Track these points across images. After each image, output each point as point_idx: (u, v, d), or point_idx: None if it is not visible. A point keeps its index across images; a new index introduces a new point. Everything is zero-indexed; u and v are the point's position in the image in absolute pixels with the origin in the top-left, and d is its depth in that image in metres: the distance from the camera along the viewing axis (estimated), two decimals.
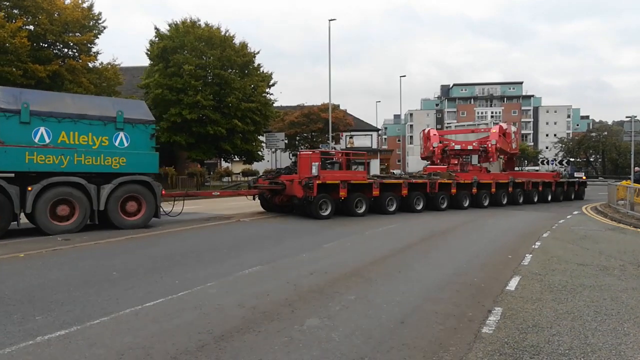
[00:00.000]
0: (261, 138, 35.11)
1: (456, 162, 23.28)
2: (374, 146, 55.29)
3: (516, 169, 72.75)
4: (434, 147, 23.42)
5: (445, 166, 22.93)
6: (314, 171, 15.32)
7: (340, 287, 6.56)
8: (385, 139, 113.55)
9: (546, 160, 75.26)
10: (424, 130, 27.17)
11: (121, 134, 12.18)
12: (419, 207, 18.03)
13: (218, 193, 17.25)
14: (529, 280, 7.16)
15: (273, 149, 40.20)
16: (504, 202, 21.50)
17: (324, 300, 5.88)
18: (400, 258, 8.87)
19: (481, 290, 6.57)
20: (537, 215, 17.93)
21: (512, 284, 6.88)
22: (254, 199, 17.08)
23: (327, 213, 15.25)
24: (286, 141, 43.33)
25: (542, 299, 6.11)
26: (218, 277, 7.01)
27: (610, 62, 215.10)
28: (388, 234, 12.16)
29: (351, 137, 52.88)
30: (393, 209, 17.12)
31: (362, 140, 53.85)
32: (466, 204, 19.89)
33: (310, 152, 16.72)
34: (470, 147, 23.30)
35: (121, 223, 12.12)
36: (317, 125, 44.38)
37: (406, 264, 8.30)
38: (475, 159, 23.70)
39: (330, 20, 35.15)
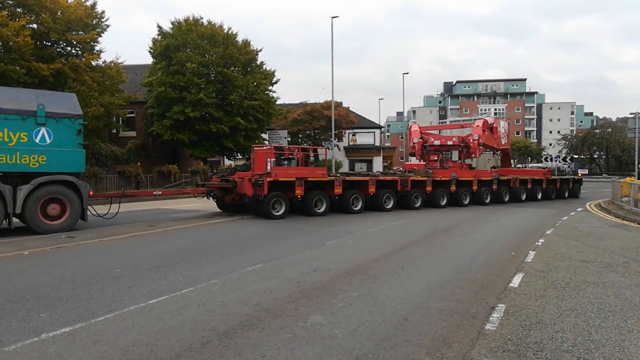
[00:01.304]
0: (264, 136, 35.12)
1: (435, 158, 22.19)
2: (377, 143, 55.20)
3: (519, 166, 72.56)
4: (414, 143, 22.49)
5: (424, 163, 22.19)
6: (269, 168, 14.65)
7: (343, 284, 6.57)
8: (388, 136, 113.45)
9: (550, 157, 75.17)
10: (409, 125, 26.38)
11: (42, 130, 11.08)
12: (389, 206, 17.09)
13: (160, 192, 16.05)
14: (533, 277, 7.16)
15: None
16: (487, 200, 20.41)
17: (327, 297, 5.89)
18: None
19: (484, 287, 6.57)
20: (540, 212, 17.87)
21: (516, 281, 6.87)
22: (208, 197, 15.86)
23: (280, 212, 14.36)
24: (289, 139, 43.30)
25: (545, 296, 6.10)
26: (221, 275, 7.03)
27: (613, 59, 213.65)
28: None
29: (354, 134, 52.82)
30: (358, 207, 16.20)
31: (364, 138, 53.78)
32: (443, 202, 18.88)
33: (265, 148, 15.88)
34: (450, 143, 22.23)
35: (41, 228, 11.04)
36: (320, 122, 44.35)
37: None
38: (455, 155, 22.37)
39: (332, 18, 35.09)
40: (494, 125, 23.36)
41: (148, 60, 30.86)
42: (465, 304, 5.71)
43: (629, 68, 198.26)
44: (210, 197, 15.80)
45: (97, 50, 25.03)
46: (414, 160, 30.76)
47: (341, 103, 51.49)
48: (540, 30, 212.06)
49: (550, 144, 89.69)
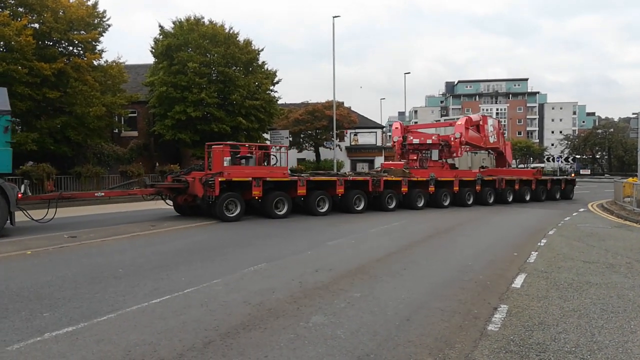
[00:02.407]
0: (265, 136, 35.11)
1: (415, 157, 21.20)
2: (379, 143, 55.15)
3: (521, 166, 72.34)
4: (394, 142, 21.73)
5: (402, 162, 21.31)
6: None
7: (345, 284, 6.56)
8: (389, 136, 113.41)
9: (552, 158, 75.05)
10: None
11: None
12: (359, 208, 16.28)
13: (102, 194, 15.04)
14: (535, 277, 7.15)
15: (277, 147, 40.17)
16: (469, 202, 19.62)
17: (329, 297, 5.89)
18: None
19: (487, 287, 6.56)
20: (543, 212, 17.84)
21: (518, 282, 6.86)
22: (164, 199, 14.96)
23: (234, 214, 13.61)
24: (290, 139, 43.28)
25: (548, 297, 6.10)
26: (224, 274, 7.04)
27: (616, 59, 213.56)
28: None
29: (356, 134, 52.80)
30: (325, 209, 15.49)
31: (366, 138, 53.75)
32: (420, 203, 18.09)
33: (222, 146, 15.03)
34: (429, 141, 21.11)
35: None
36: (322, 122, 44.32)
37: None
38: (435, 154, 21.26)
39: (334, 17, 35.08)
40: (480, 123, 22.41)
41: (150, 59, 30.86)
42: (468, 305, 5.70)
43: (632, 68, 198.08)
44: (164, 199, 14.97)
45: (98, 50, 25.05)
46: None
47: (343, 103, 51.44)
48: (543, 29, 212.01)
49: (552, 144, 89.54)
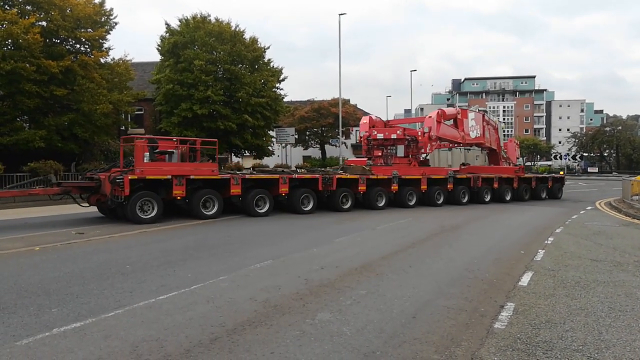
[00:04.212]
0: (271, 133, 35.13)
1: (380, 153, 19.57)
2: None
3: (528, 164, 71.78)
4: (361, 137, 20.06)
5: (365, 159, 20.03)
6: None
7: (351, 281, 6.56)
8: None
9: (559, 155, 74.56)
10: None
11: None
12: (307, 208, 15.17)
13: None
14: (542, 275, 7.11)
15: (283, 144, 40.24)
16: (439, 201, 18.56)
17: (335, 295, 5.90)
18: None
19: (493, 285, 6.54)
20: (550, 210, 17.74)
21: (525, 280, 6.83)
22: (74, 199, 13.41)
23: (150, 215, 12.35)
24: (296, 136, 43.32)
25: (555, 295, 6.06)
26: (230, 271, 7.06)
27: (624, 56, 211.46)
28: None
29: None
30: (264, 210, 14.39)
31: None
32: (381, 203, 17.05)
33: (144, 140, 13.91)
34: (393, 136, 19.36)
35: None
36: (327, 120, 44.30)
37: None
38: (401, 149, 19.59)
39: (340, 15, 34.99)
40: (459, 116, 20.76)
41: (156, 57, 30.98)
42: (474, 303, 5.68)
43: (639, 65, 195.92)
44: (75, 199, 13.44)
45: (105, 48, 25.20)
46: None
47: (349, 100, 51.40)
48: (550, 27, 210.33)
49: (560, 142, 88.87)
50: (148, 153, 13.08)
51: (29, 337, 4.38)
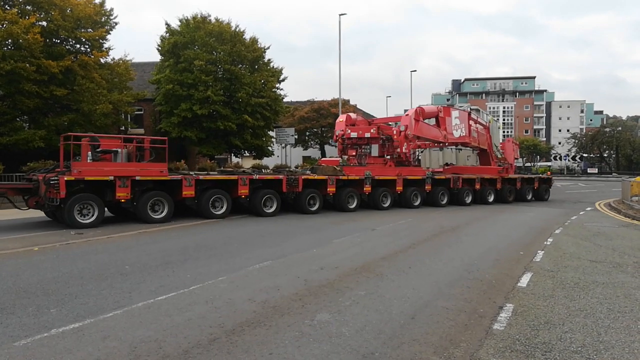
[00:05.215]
0: (271, 133, 35.13)
1: (354, 153, 19.01)
2: None
3: (527, 164, 71.73)
4: (336, 136, 19.43)
5: (338, 159, 19.52)
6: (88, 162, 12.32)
7: (350, 282, 6.56)
8: None
9: (559, 156, 74.56)
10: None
11: None
12: (270, 210, 14.61)
13: None
14: (541, 276, 7.11)
15: (283, 145, 40.20)
16: (416, 203, 17.97)
17: (334, 295, 5.89)
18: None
19: (492, 286, 6.53)
20: (549, 211, 17.74)
21: (524, 281, 6.83)
22: (12, 202, 12.40)
23: (89, 220, 11.56)
24: (296, 136, 43.27)
25: (554, 296, 6.06)
26: (229, 272, 7.05)
27: (624, 57, 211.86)
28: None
29: None
30: (221, 211, 13.80)
31: None
32: (352, 205, 16.37)
33: (87, 138, 13.22)
34: (367, 135, 18.59)
35: None
36: (327, 120, 44.30)
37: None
38: (375, 149, 18.82)
39: (340, 15, 34.98)
40: (440, 115, 20.08)
41: (156, 57, 30.98)
42: (473, 304, 5.68)
43: None
44: (12, 202, 12.43)
45: (105, 48, 25.19)
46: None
47: (349, 101, 51.37)
48: (550, 28, 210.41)
49: (560, 143, 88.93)
50: (90, 152, 12.46)
51: (27, 338, 4.37)
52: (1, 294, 5.81)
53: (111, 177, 11.98)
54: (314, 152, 49.42)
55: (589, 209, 18.82)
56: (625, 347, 4.41)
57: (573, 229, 12.74)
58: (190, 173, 13.85)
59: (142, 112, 32.30)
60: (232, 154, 35.28)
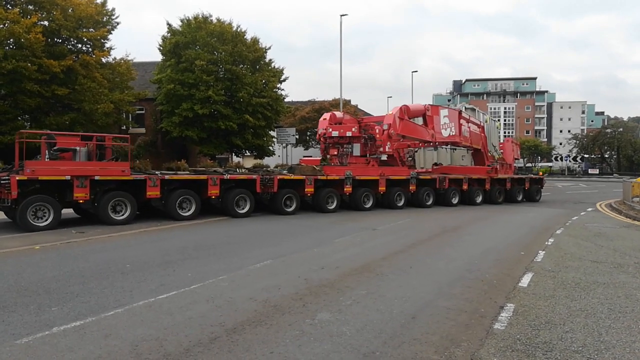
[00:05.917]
0: (272, 133, 35.14)
1: (336, 152, 18.40)
2: None
3: (529, 165, 71.64)
4: (319, 134, 18.95)
5: (319, 158, 19.18)
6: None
7: (351, 281, 6.56)
8: None
9: (560, 157, 74.49)
10: None
11: None
12: (243, 210, 14.19)
13: None
14: (542, 276, 7.10)
15: (284, 144, 40.20)
16: (400, 203, 17.59)
17: (335, 295, 5.89)
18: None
19: (493, 286, 6.53)
20: (550, 211, 17.73)
21: (525, 281, 6.82)
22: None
23: (44, 223, 10.95)
24: (297, 136, 43.28)
25: (555, 296, 6.06)
26: (230, 271, 7.06)
27: (624, 58, 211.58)
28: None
29: None
30: (189, 213, 13.28)
31: None
32: (332, 206, 15.92)
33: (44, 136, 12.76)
34: (349, 134, 18.01)
35: None
36: None
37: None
38: (357, 148, 18.31)
39: (341, 16, 34.99)
40: (428, 113, 19.50)
41: (157, 57, 30.98)
42: (474, 303, 5.68)
43: None
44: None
45: (107, 48, 25.20)
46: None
47: (349, 101, 51.43)
48: (550, 29, 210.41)
49: (561, 144, 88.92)
50: (47, 151, 11.93)
51: (29, 336, 4.38)
52: (3, 292, 5.83)
53: (68, 177, 11.36)
54: (314, 152, 49.42)
55: (590, 209, 18.81)
56: (626, 347, 4.41)
57: (574, 229, 12.73)
58: (156, 173, 13.30)
59: (143, 112, 32.32)
60: (233, 154, 35.30)
